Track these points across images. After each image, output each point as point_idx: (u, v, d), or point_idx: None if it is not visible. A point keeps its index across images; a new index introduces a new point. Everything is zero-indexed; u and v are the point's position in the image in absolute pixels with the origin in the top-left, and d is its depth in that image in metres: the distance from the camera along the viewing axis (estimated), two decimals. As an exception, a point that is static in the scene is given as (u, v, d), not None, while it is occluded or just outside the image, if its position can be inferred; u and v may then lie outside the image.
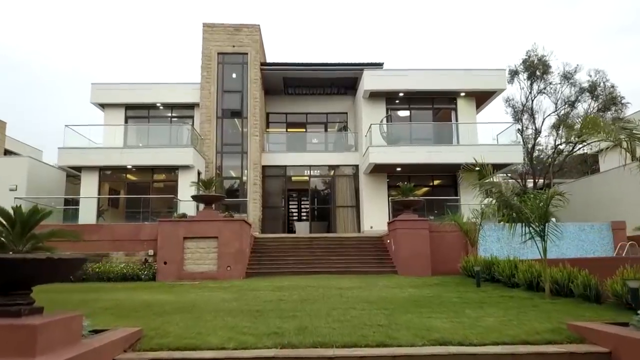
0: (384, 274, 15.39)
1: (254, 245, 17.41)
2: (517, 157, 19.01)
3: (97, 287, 12.54)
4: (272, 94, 24.04)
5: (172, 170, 19.22)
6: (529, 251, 16.91)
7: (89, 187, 18.69)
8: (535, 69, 23.23)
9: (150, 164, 18.65)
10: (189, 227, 14.84)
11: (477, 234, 13.16)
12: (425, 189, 20.95)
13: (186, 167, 18.75)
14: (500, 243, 17.12)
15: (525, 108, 24.88)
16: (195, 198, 15.46)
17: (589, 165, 31.38)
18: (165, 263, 14.52)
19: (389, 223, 16.92)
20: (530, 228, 9.97)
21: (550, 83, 23.25)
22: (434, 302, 8.73)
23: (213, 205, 15.94)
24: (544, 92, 24.28)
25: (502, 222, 16.14)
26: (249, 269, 15.51)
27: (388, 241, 16.96)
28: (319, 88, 24.11)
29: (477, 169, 20.55)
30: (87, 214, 18.25)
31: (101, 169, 18.95)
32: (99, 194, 18.85)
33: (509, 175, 26.46)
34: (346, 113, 24.07)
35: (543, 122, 24.17)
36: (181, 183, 18.54)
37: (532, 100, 23.88)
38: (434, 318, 6.97)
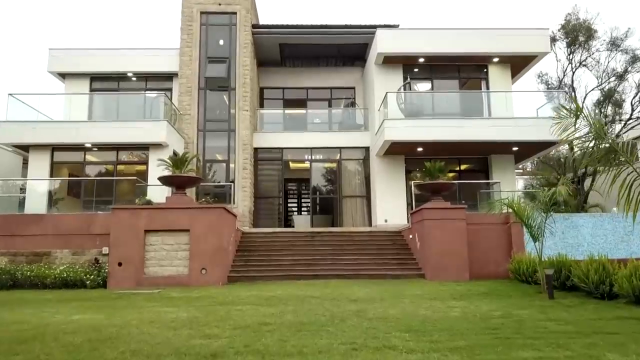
0: (407, 278, 11.85)
1: (241, 241, 13.86)
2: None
3: (13, 299, 8.99)
4: (267, 65, 20.47)
5: (141, 151, 15.66)
6: (591, 248, 13.38)
7: (39, 170, 15.13)
8: (577, 33, 19.60)
9: (113, 141, 15.05)
10: (152, 217, 11.28)
11: (542, 225, 9.57)
12: (451, 174, 17.34)
13: (159, 146, 15.17)
14: (554, 239, 13.49)
15: (562, 84, 21.27)
16: (162, 180, 11.90)
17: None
18: (119, 264, 10.96)
19: (412, 213, 13.35)
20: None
21: (597, 50, 19.60)
22: (521, 331, 5.16)
23: (186, 191, 12.40)
24: (584, 65, 20.66)
25: (564, 212, 12.44)
26: (232, 273, 11.96)
27: (410, 236, 13.39)
28: (322, 59, 20.52)
29: (515, 149, 17.11)
30: (37, 202, 14.69)
31: (54, 148, 15.39)
32: (51, 178, 15.30)
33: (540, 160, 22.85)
34: (354, 88, 20.48)
35: (585, 98, 20.54)
36: (152, 166, 14.96)
37: (573, 72, 20.24)
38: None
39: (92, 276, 10.74)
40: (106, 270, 10.99)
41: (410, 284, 10.66)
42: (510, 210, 11.96)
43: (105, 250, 11.65)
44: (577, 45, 19.76)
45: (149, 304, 7.95)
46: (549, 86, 22.09)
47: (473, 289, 9.80)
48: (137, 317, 6.55)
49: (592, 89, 20.52)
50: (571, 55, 20.25)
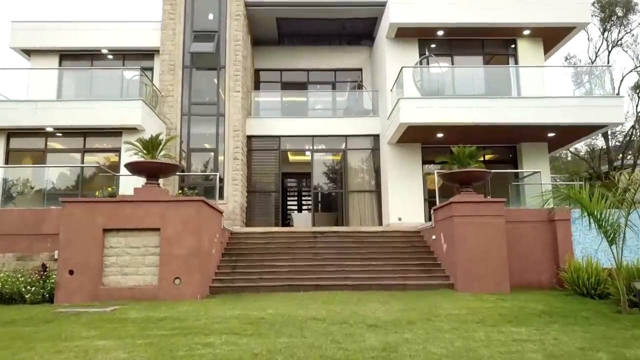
0: (432, 288, 9.57)
1: (230, 243, 11.58)
2: (615, 115, 13.01)
3: None
4: (263, 44, 18.20)
5: (113, 136, 13.35)
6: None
7: (-9, 159, 12.88)
8: (614, 7, 17.27)
9: (79, 124, 12.77)
10: (113, 213, 8.96)
11: (625, 223, 7.24)
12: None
13: (133, 131, 12.88)
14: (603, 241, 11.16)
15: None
16: (129, 167, 9.59)
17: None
18: (70, 272, 8.65)
19: (435, 209, 11.03)
20: None
21: (639, 24, 17.27)
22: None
23: (169, 185, 10.12)
24: (619, 45, 18.35)
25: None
26: (215, 282, 9.68)
27: (433, 237, 11.09)
28: (325, 37, 18.26)
29: (551, 134, 14.80)
30: (-12, 197, 12.40)
31: (10, 133, 13.11)
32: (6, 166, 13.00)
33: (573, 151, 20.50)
34: (360, 70, 18.20)
35: (621, 82, 18.22)
36: (126, 153, 12.65)
37: (609, 52, 17.92)
38: None
39: (33, 288, 8.43)
40: (54, 280, 8.68)
41: (440, 298, 8.36)
42: (552, 204, 9.80)
43: (58, 254, 9.35)
44: (613, 21, 17.41)
45: (86, 332, 5.64)
46: (578, 69, 19.71)
47: (525, 305, 7.50)
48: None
49: (630, 71, 18.17)
50: (606, 33, 17.90)
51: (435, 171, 11.67)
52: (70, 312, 7.15)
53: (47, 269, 9.09)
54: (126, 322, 6.33)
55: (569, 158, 24.51)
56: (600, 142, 20.89)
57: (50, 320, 6.56)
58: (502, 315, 6.72)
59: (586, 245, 10.97)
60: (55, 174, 12.82)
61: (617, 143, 20.16)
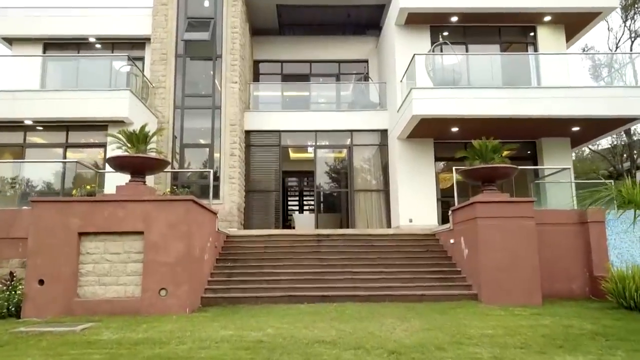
0: (453, 300, 8.46)
1: (225, 247, 10.47)
2: (651, 106, 11.91)
3: None
4: (263, 34, 17.10)
5: (99, 130, 12.22)
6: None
7: (-36, 155, 11.78)
8: (638, -7, 16.16)
9: (60, 117, 11.63)
10: (90, 214, 7.84)
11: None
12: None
13: (120, 124, 11.74)
14: (632, 244, 10.06)
15: (613, 59, 17.81)
16: (111, 163, 8.48)
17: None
18: (40, 282, 7.53)
19: (454, 210, 9.92)
20: None
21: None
22: None
23: (151, 180, 9.00)
24: (641, 35, 17.20)
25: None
26: (208, 292, 8.57)
27: (452, 241, 9.96)
28: (329, 26, 17.19)
29: (575, 128, 13.68)
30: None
31: (-15, 126, 12.03)
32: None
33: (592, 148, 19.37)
34: (366, 61, 17.09)
35: (644, 74, 17.03)
36: (109, 147, 11.54)
37: (632, 42, 16.80)
38: None
39: (-2, 300, 7.32)
40: (21, 291, 7.55)
41: (465, 312, 7.25)
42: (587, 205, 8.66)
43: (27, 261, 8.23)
44: (637, 9, 16.27)
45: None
46: (595, 62, 18.60)
47: (569, 323, 6.37)
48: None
49: (653, 63, 16.98)
50: (628, 22, 16.77)
51: (454, 167, 10.53)
52: (31, 332, 6.02)
53: (15, 278, 7.97)
54: (95, 347, 5.21)
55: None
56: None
57: (4, 344, 5.45)
58: (546, 337, 5.60)
59: (623, 250, 9.87)
60: (33, 170, 11.68)
61: (624, 142, 19.10)
